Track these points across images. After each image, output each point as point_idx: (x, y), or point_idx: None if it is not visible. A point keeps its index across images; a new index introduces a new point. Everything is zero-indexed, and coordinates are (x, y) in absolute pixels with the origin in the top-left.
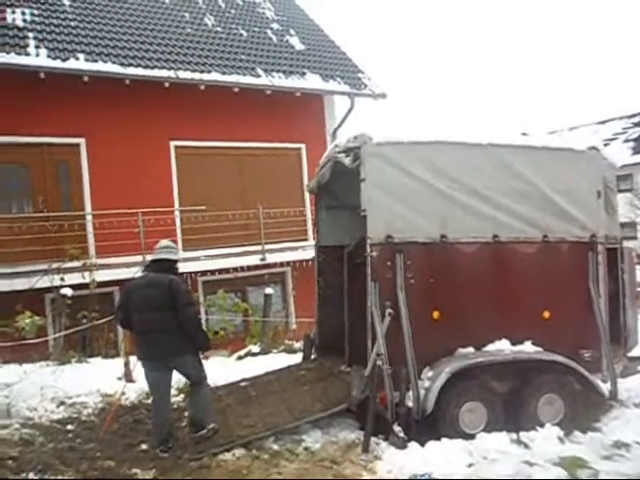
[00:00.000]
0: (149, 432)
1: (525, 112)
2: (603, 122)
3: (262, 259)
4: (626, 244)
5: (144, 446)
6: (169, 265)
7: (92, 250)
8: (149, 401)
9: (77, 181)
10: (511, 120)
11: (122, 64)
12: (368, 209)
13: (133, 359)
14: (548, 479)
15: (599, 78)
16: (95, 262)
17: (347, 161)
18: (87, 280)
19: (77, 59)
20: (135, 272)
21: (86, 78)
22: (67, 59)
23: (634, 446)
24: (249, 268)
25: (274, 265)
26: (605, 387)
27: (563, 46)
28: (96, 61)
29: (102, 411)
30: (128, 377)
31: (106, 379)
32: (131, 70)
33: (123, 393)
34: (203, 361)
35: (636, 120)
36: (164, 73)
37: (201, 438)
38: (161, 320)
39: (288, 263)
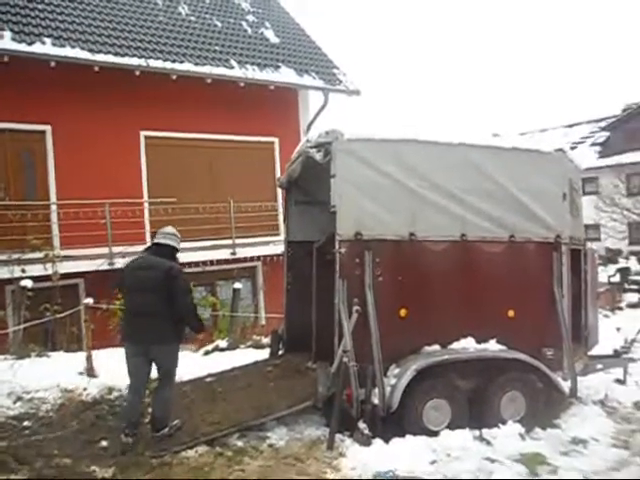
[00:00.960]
0: (110, 428)
1: (497, 113)
2: (571, 125)
3: (232, 253)
4: (589, 245)
5: (104, 443)
6: (170, 251)
7: (56, 241)
8: (111, 396)
9: (42, 170)
10: (483, 121)
11: (91, 50)
12: (338, 205)
13: (96, 353)
14: (508, 478)
15: (569, 82)
16: (58, 253)
17: (318, 156)
18: (49, 272)
19: (43, 43)
20: (99, 264)
21: (53, 63)
22: (33, 43)
23: (591, 442)
24: (219, 262)
25: (245, 259)
26: (565, 385)
27: (536, 50)
28: (64, 46)
29: (61, 407)
30: (90, 372)
31: (67, 374)
32: (100, 57)
33: (84, 389)
34: None
35: (603, 124)
36: (135, 61)
37: (162, 436)
38: (151, 303)
39: (259, 258)
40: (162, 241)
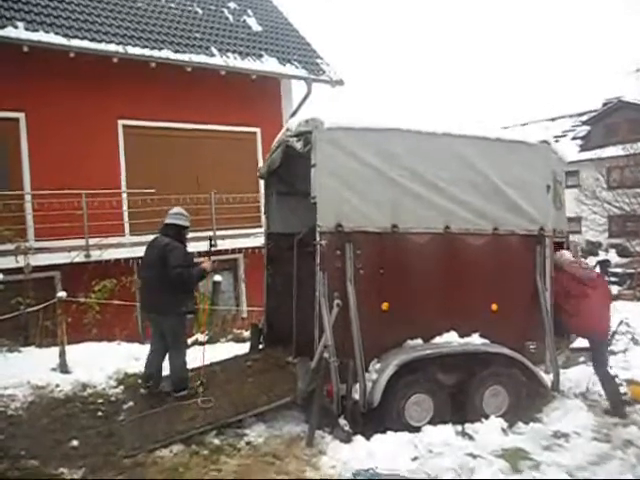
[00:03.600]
0: (83, 427)
1: (480, 106)
2: (553, 119)
3: (213, 245)
4: (571, 238)
5: (75, 442)
6: (176, 230)
7: (31, 232)
8: (85, 393)
9: (15, 158)
10: (467, 114)
11: (66, 35)
12: (318, 196)
13: (71, 348)
14: (490, 476)
15: (552, 76)
16: (30, 245)
17: (298, 145)
18: (21, 264)
19: (16, 27)
20: (74, 256)
21: (26, 48)
22: (4, 27)
23: (572, 436)
24: (200, 254)
25: (226, 252)
26: (548, 378)
27: (519, 44)
28: (37, 30)
29: (31, 405)
30: (63, 368)
31: (39, 370)
32: (76, 42)
33: (57, 385)
34: None
35: (584, 118)
36: (112, 47)
37: (181, 398)
38: (153, 278)
39: (240, 250)
40: (168, 221)
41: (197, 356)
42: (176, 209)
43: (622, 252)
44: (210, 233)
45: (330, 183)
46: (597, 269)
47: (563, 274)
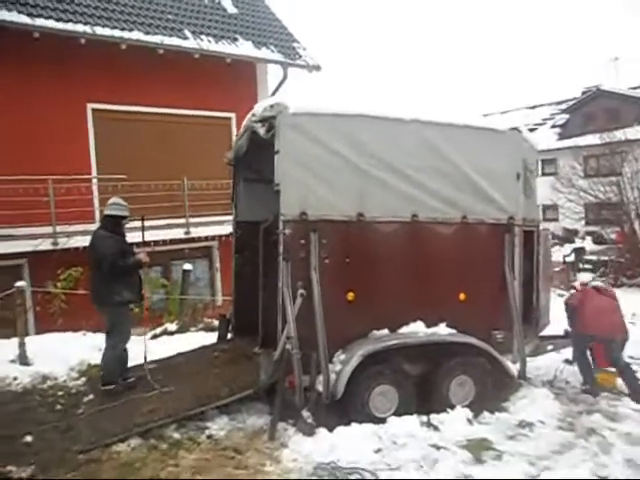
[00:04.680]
0: (38, 421)
1: (459, 94)
2: (533, 107)
3: (186, 232)
4: (546, 225)
5: (28, 438)
6: (114, 221)
7: None
8: (45, 386)
9: None
10: (446, 102)
11: (30, 14)
12: (282, 184)
13: (34, 339)
14: (453, 464)
15: (532, 63)
16: None
17: (262, 131)
18: None
19: None
20: (38, 244)
21: None
22: None
23: (537, 425)
24: (173, 242)
25: (199, 239)
26: (514, 368)
27: (499, 31)
28: None
29: None
30: (23, 359)
31: None
32: (40, 22)
33: (15, 378)
34: None
35: (563, 107)
36: (79, 28)
37: (106, 392)
38: (92, 269)
39: (214, 237)
40: (105, 212)
41: (167, 346)
42: (113, 199)
43: (597, 239)
44: (183, 220)
45: (294, 170)
46: (572, 256)
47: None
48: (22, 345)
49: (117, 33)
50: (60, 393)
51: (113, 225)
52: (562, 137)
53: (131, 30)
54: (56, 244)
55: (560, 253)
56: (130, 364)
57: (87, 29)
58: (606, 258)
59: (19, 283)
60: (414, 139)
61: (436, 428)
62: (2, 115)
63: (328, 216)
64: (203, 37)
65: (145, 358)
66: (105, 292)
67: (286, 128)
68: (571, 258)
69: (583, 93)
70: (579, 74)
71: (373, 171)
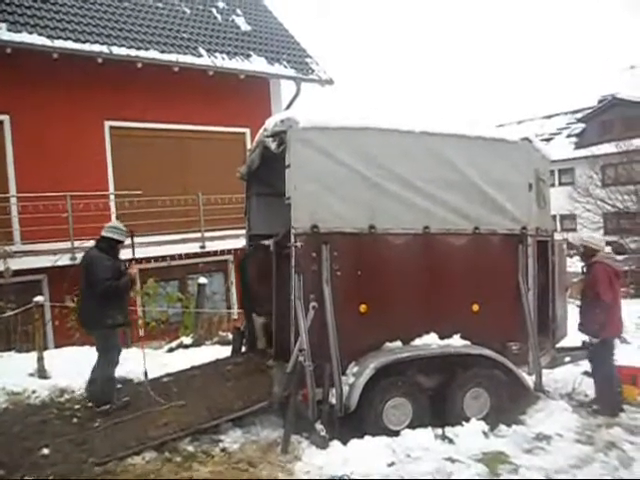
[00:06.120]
0: (56, 434)
1: (475, 104)
2: (549, 117)
3: (202, 247)
4: (565, 236)
5: (46, 450)
6: (109, 243)
7: (17, 235)
8: (62, 399)
9: (0, 161)
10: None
11: (49, 36)
12: (293, 197)
13: (52, 353)
14: (468, 478)
15: (548, 73)
16: (10, 250)
17: (273, 146)
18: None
19: None
20: (57, 259)
21: (9, 50)
22: None
23: (555, 438)
24: (188, 256)
25: (215, 253)
26: (530, 380)
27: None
28: (20, 32)
29: (5, 411)
30: (41, 373)
31: (16, 375)
32: (59, 43)
33: (33, 391)
34: None
35: (579, 116)
36: (96, 48)
37: (102, 413)
38: (84, 291)
39: (229, 251)
40: (102, 233)
41: (181, 358)
42: (113, 222)
43: (617, 249)
44: (199, 235)
45: (305, 184)
46: None
47: (601, 264)
48: (40, 359)
49: (133, 52)
50: (77, 406)
51: (108, 247)
52: (578, 146)
53: (147, 49)
54: (74, 259)
55: (579, 264)
56: (150, 376)
57: (104, 49)
58: (627, 268)
59: (37, 298)
60: (424, 151)
61: (451, 441)
62: (23, 134)
63: (339, 229)
64: (217, 54)
65: (145, 374)
66: (98, 315)
67: (296, 142)
68: None
69: (599, 102)
70: (595, 83)
71: (384, 183)
